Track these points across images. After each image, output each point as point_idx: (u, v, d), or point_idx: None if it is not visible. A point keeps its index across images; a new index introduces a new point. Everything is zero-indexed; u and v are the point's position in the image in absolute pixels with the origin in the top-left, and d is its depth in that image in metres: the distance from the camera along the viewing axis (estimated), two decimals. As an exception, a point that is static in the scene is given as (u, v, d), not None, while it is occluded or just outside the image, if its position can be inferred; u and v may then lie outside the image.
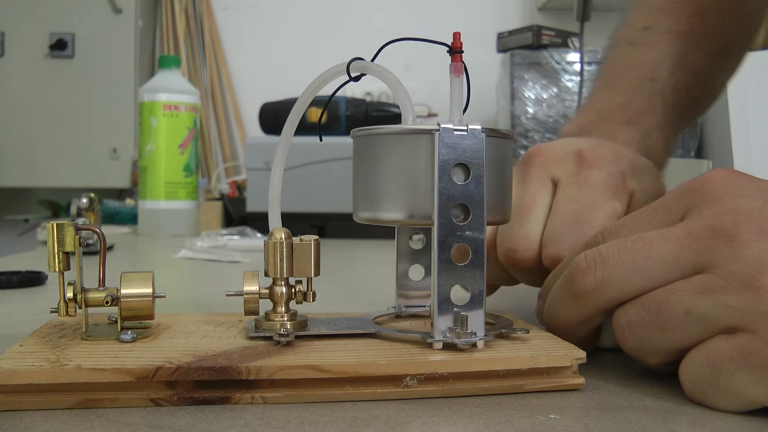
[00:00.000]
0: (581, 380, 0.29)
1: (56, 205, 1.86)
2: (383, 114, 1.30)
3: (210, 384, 0.26)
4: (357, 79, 0.34)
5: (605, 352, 0.37)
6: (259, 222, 1.18)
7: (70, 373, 0.26)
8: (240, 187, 1.64)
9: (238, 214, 1.39)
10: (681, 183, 0.31)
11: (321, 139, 0.44)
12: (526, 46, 1.66)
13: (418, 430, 0.25)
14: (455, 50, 0.31)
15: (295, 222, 1.14)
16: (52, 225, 0.30)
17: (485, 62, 1.87)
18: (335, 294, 0.58)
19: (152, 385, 0.26)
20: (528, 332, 0.32)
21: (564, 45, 1.68)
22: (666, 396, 0.29)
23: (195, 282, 0.70)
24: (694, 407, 0.28)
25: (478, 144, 0.29)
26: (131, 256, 0.93)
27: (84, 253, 0.75)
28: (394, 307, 0.38)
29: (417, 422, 0.25)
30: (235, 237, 1.01)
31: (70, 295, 0.31)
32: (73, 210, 0.84)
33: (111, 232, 1.21)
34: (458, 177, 0.29)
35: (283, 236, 0.32)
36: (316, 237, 0.33)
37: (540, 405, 0.28)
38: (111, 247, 0.92)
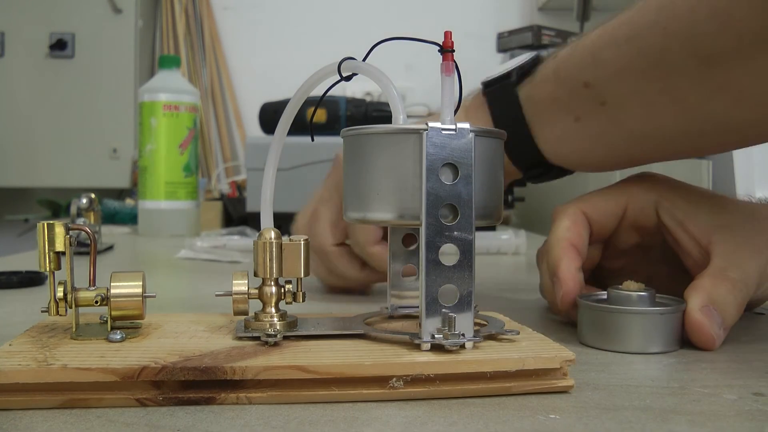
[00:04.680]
0: (570, 382, 0.29)
1: (56, 205, 1.86)
2: (383, 114, 1.30)
3: (195, 384, 0.26)
4: (348, 78, 0.34)
5: (606, 352, 0.37)
6: (258, 222, 1.17)
7: (56, 373, 0.26)
8: (240, 187, 1.64)
9: (237, 214, 1.39)
10: None
11: (312, 139, 0.44)
12: (526, 46, 1.66)
13: (417, 430, 0.25)
14: (446, 49, 0.31)
15: (294, 222, 1.14)
16: (43, 225, 0.30)
17: (485, 62, 1.86)
18: (331, 294, 0.58)
19: (138, 385, 0.26)
20: (518, 333, 0.32)
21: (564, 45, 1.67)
22: (666, 396, 0.29)
23: (195, 282, 0.70)
24: (694, 407, 0.28)
25: (467, 144, 0.29)
26: (131, 256, 0.93)
27: (81, 253, 0.75)
28: (387, 308, 0.38)
29: (417, 422, 0.25)
30: (235, 237, 1.01)
31: (60, 294, 0.31)
32: (73, 210, 0.84)
33: (111, 232, 1.21)
34: (446, 177, 0.29)
35: (273, 236, 0.32)
36: (306, 237, 0.33)
37: (540, 405, 0.28)
38: (111, 247, 0.92)
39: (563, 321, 0.44)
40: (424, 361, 0.28)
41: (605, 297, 0.39)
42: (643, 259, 0.46)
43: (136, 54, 2.07)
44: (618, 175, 0.47)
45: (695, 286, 0.38)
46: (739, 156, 1.35)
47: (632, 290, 0.37)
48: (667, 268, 0.45)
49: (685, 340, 0.37)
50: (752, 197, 0.46)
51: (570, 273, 0.41)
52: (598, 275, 0.48)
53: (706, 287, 0.38)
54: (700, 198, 0.43)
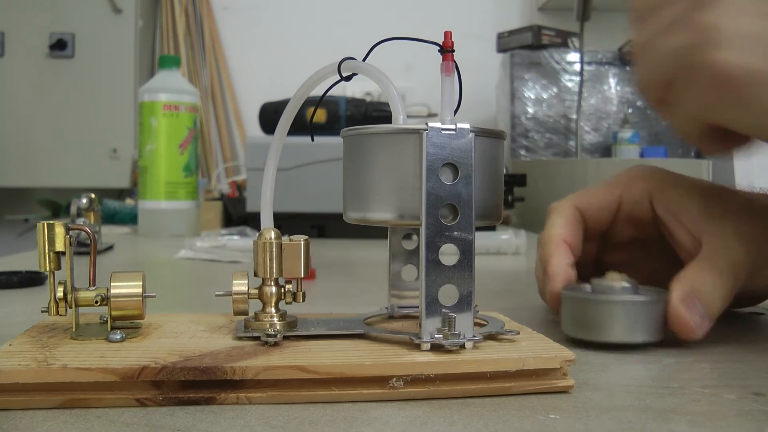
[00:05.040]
0: (571, 382, 0.29)
1: (56, 205, 1.86)
2: (383, 114, 1.30)
3: (195, 384, 0.26)
4: (348, 78, 0.34)
5: (607, 351, 0.37)
6: (258, 222, 1.17)
7: (56, 373, 0.26)
8: (240, 187, 1.64)
9: (238, 214, 1.39)
10: None
11: (312, 139, 0.43)
12: (526, 46, 1.66)
13: (417, 430, 0.25)
14: (446, 49, 0.31)
15: (295, 222, 1.14)
16: (43, 225, 0.30)
17: (485, 62, 1.86)
18: (334, 294, 0.58)
19: (138, 385, 0.26)
20: (518, 333, 0.32)
21: (564, 45, 1.67)
22: (666, 396, 0.29)
23: (195, 282, 0.70)
24: (694, 407, 0.28)
25: (467, 144, 0.29)
26: (131, 256, 0.93)
27: (81, 253, 0.75)
28: (387, 308, 0.38)
29: (417, 422, 0.25)
30: (235, 237, 1.01)
31: (60, 294, 0.31)
32: (73, 210, 0.84)
33: (111, 232, 1.21)
34: (446, 177, 0.29)
35: (273, 236, 0.32)
36: (306, 237, 0.33)
37: (540, 405, 0.28)
38: (111, 247, 0.92)
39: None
40: (424, 361, 0.28)
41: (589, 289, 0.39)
42: (642, 252, 0.46)
43: (136, 54, 2.07)
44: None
45: (679, 276, 0.38)
46: (739, 156, 1.35)
47: (615, 281, 0.37)
48: (667, 262, 0.45)
49: (670, 331, 0.37)
50: (753, 188, 0.45)
51: (560, 269, 0.41)
52: (597, 270, 0.48)
53: (690, 276, 0.37)
54: (695, 188, 0.42)
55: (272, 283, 0.32)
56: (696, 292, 0.37)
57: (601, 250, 0.47)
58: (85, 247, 0.77)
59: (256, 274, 0.33)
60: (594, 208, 0.44)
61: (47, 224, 0.30)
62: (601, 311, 0.37)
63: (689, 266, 0.38)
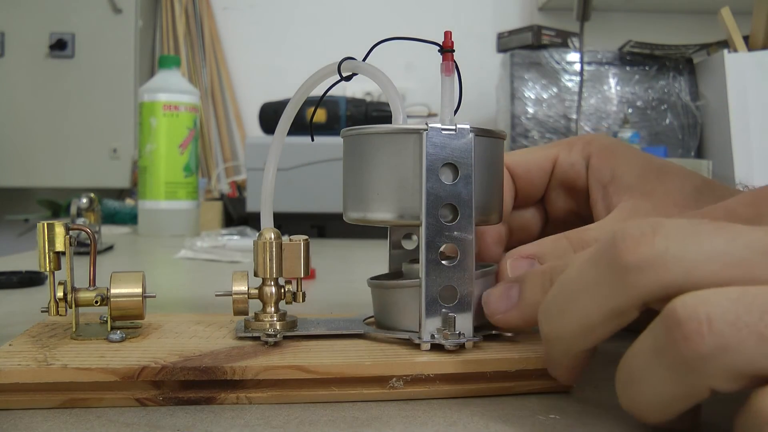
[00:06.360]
0: (571, 381, 0.29)
1: (56, 205, 1.86)
2: (383, 114, 1.30)
3: (195, 384, 0.26)
4: (348, 78, 0.34)
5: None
6: (258, 222, 1.18)
7: (56, 373, 0.26)
8: (240, 187, 1.64)
9: (238, 214, 1.39)
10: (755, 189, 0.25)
11: (312, 139, 0.43)
12: (526, 46, 1.66)
13: (417, 430, 0.25)
14: (446, 49, 0.31)
15: (295, 222, 1.14)
16: (43, 225, 0.30)
17: (485, 62, 1.86)
18: (334, 294, 0.58)
19: (138, 385, 0.26)
20: (518, 333, 0.32)
21: (564, 45, 1.67)
22: None
23: (195, 282, 0.70)
24: None
25: (467, 144, 0.29)
26: (131, 256, 0.93)
27: (81, 253, 0.75)
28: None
29: (417, 422, 0.25)
30: (235, 237, 1.01)
31: (60, 294, 0.31)
32: (73, 210, 0.84)
33: (111, 232, 1.21)
34: (446, 177, 0.29)
35: (273, 236, 0.32)
36: (305, 237, 0.33)
37: (540, 405, 0.27)
38: (111, 247, 0.92)
39: None
40: (424, 361, 0.28)
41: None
42: None
43: (136, 54, 2.08)
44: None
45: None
46: (739, 155, 1.35)
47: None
48: None
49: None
50: (745, 186, 0.40)
51: None
52: None
53: (542, 242, 0.32)
54: (638, 162, 0.36)
55: (272, 283, 0.32)
56: (538, 257, 0.31)
57: (545, 228, 0.41)
58: (85, 247, 0.77)
59: (256, 274, 0.33)
60: (523, 168, 0.39)
61: (47, 224, 0.30)
62: (391, 299, 0.32)
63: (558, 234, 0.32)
